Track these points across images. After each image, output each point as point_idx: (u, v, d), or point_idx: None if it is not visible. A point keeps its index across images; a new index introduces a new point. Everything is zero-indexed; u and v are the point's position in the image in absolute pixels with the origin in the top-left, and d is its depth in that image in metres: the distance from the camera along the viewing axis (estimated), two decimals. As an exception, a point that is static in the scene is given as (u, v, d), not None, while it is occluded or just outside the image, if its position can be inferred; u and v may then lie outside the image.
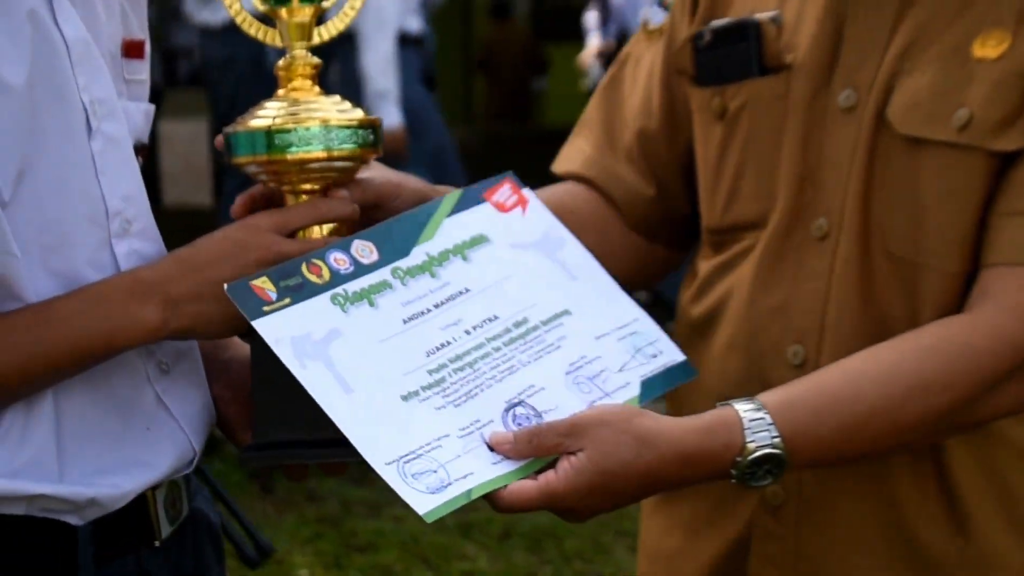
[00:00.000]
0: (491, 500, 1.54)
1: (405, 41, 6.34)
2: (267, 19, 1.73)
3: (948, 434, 1.69)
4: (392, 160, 1.86)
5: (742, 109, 1.82)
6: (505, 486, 1.54)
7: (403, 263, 1.65)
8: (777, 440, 1.58)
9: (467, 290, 1.66)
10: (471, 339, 1.63)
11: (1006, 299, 1.63)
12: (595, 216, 1.94)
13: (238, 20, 1.71)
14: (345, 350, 1.56)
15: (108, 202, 1.62)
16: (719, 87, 1.83)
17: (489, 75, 16.39)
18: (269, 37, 1.71)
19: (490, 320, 1.65)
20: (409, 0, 6.30)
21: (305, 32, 1.70)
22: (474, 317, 1.64)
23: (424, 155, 6.04)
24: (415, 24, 6.47)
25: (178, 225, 1.69)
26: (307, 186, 1.67)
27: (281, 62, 1.70)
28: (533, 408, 1.60)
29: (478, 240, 1.71)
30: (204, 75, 7.14)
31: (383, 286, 1.62)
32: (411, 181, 1.81)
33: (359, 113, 1.68)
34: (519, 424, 1.58)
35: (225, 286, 1.55)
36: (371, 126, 1.68)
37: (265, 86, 1.74)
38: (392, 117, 6.01)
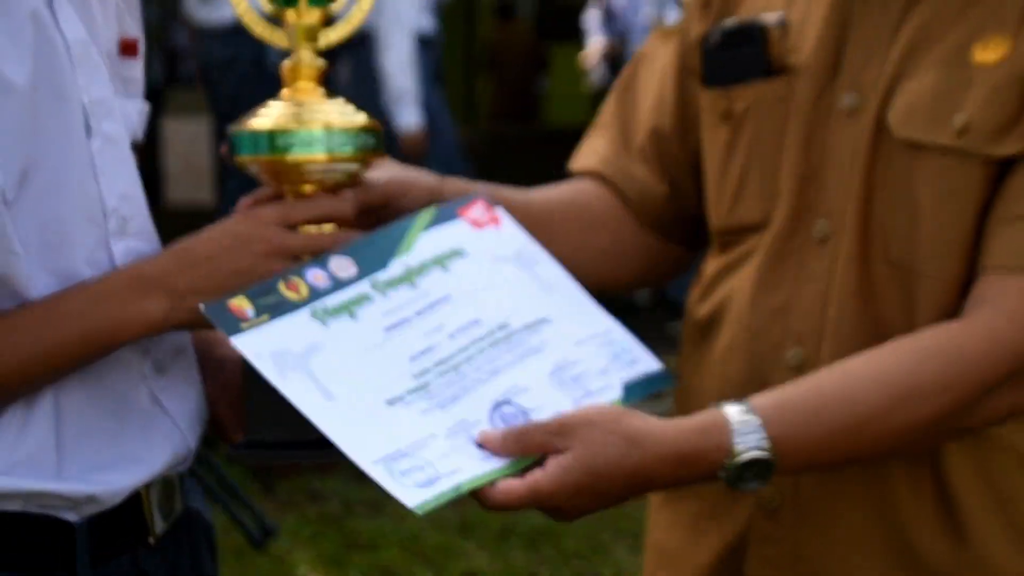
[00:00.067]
0: (479, 498, 1.55)
1: (418, 41, 6.36)
2: (273, 19, 1.74)
3: (943, 438, 1.69)
4: (413, 160, 1.87)
5: (747, 111, 1.82)
6: (493, 483, 1.54)
7: (382, 275, 1.66)
8: (766, 444, 1.58)
9: (448, 297, 1.67)
10: (454, 343, 1.63)
11: (1002, 304, 1.63)
12: (608, 213, 1.95)
13: (245, 19, 1.72)
14: (326, 362, 1.57)
15: (106, 201, 1.63)
16: (725, 88, 1.84)
17: (493, 75, 16.38)
18: (276, 38, 1.72)
19: (473, 324, 1.66)
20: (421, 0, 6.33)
21: (312, 34, 1.70)
22: (456, 322, 1.65)
23: (439, 154, 6.05)
24: (427, 24, 6.49)
25: (179, 224, 1.70)
26: (308, 188, 1.68)
27: (287, 63, 1.71)
28: (520, 407, 1.61)
29: (456, 252, 1.72)
30: (204, 75, 7.14)
31: (363, 298, 1.63)
32: (422, 178, 1.81)
33: (362, 117, 1.68)
34: (506, 422, 1.59)
35: (201, 306, 1.56)
36: (373, 131, 1.68)
37: (267, 86, 1.75)
38: (412, 117, 6.02)
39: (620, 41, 7.60)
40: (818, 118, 1.76)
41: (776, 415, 1.59)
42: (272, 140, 1.65)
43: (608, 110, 2.00)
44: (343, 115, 1.68)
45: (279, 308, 1.58)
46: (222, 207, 6.11)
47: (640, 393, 1.71)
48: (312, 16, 1.70)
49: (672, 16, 7.11)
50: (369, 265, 1.66)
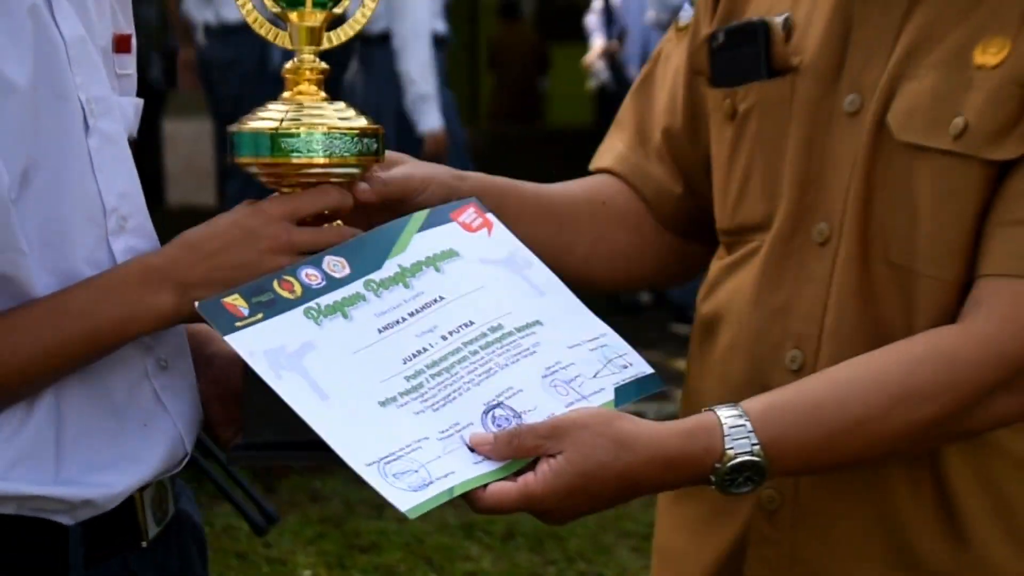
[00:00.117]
0: (470, 501, 1.55)
1: (433, 43, 6.40)
2: (277, 20, 1.74)
3: (938, 443, 1.68)
4: (433, 161, 1.87)
5: (750, 111, 1.81)
6: (485, 486, 1.54)
7: (376, 276, 1.66)
8: (756, 447, 1.57)
9: (441, 298, 1.67)
10: (447, 344, 1.63)
11: (997, 310, 1.62)
12: (628, 210, 1.95)
13: (249, 20, 1.72)
14: (320, 361, 1.57)
15: (105, 199, 1.63)
16: (730, 88, 1.83)
17: (495, 75, 16.39)
18: (280, 39, 1.72)
19: (466, 326, 1.66)
20: (436, 2, 6.36)
21: (315, 37, 1.70)
22: (449, 323, 1.65)
23: (451, 154, 6.08)
24: (440, 26, 6.52)
25: (181, 225, 1.70)
26: (302, 191, 1.68)
27: (289, 65, 1.71)
28: (512, 409, 1.61)
29: (449, 254, 1.72)
30: (205, 75, 7.14)
31: (356, 298, 1.63)
32: (441, 174, 1.81)
33: (363, 121, 1.68)
34: (499, 425, 1.59)
35: (196, 304, 1.57)
36: (374, 135, 1.68)
37: (270, 87, 1.75)
38: (434, 120, 6.10)
39: (620, 42, 7.60)
40: (820, 119, 1.75)
41: (767, 418, 1.59)
42: (273, 142, 1.65)
43: (626, 109, 2.00)
44: (344, 119, 1.68)
45: (273, 307, 1.59)
46: (223, 208, 6.08)
47: (631, 396, 1.71)
48: (315, 18, 1.70)
49: (667, 17, 7.12)
50: (363, 265, 1.66)
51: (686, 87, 1.91)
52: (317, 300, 1.61)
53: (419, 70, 6.19)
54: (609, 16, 7.59)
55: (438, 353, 1.62)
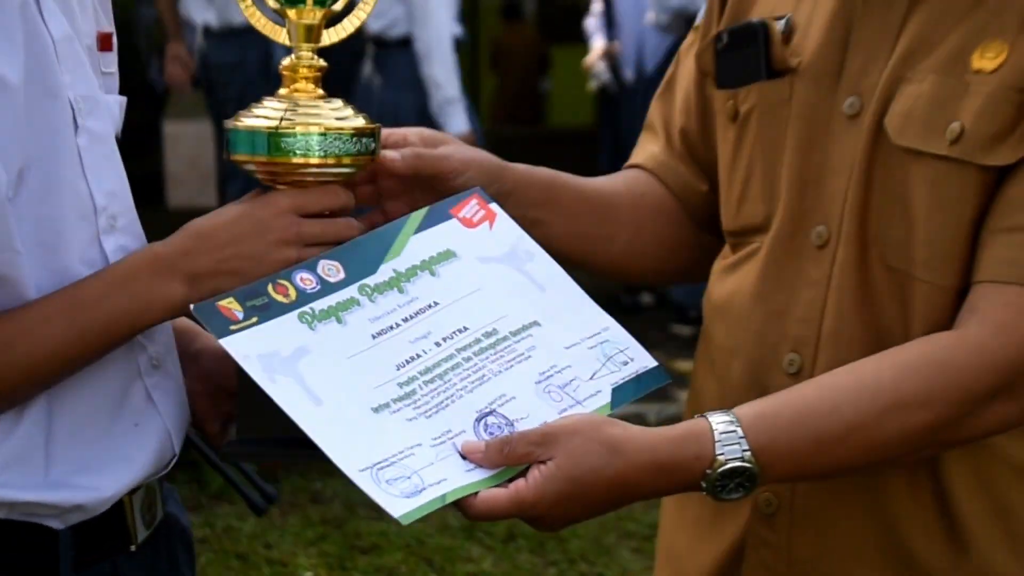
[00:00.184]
0: (462, 508, 1.55)
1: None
2: (278, 18, 1.74)
3: (933, 451, 1.67)
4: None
5: (751, 112, 1.81)
6: (476, 493, 1.54)
7: (370, 280, 1.66)
8: (747, 454, 1.57)
9: (436, 304, 1.67)
10: (441, 351, 1.64)
11: (991, 317, 1.61)
12: (664, 204, 1.96)
13: (249, 16, 1.72)
14: (314, 366, 1.57)
15: (95, 198, 1.63)
16: (733, 89, 1.83)
17: (498, 76, 16.38)
18: (281, 37, 1.72)
19: (460, 331, 1.66)
20: (454, 6, 6.40)
21: (313, 34, 1.71)
22: (444, 329, 1.65)
23: None
24: (457, 29, 6.56)
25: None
26: (301, 188, 1.68)
27: (286, 61, 1.71)
28: (504, 417, 1.61)
29: (446, 255, 1.72)
30: (206, 77, 7.13)
31: (351, 303, 1.64)
32: (483, 160, 1.82)
33: (360, 120, 1.69)
34: (491, 433, 1.59)
35: (191, 306, 1.57)
36: (371, 134, 1.69)
37: (273, 90, 1.75)
38: (461, 122, 6.24)
39: (619, 43, 7.60)
40: (819, 121, 1.75)
41: (759, 424, 1.59)
42: (270, 142, 1.65)
43: (653, 110, 2.02)
44: (341, 118, 1.68)
45: (268, 311, 1.59)
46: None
47: (631, 395, 1.71)
48: (313, 16, 1.70)
49: (666, 18, 7.11)
50: (358, 269, 1.66)
51: (697, 88, 1.92)
52: (311, 304, 1.61)
53: (445, 75, 6.26)
54: (609, 18, 7.59)
55: (431, 359, 1.63)
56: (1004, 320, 1.61)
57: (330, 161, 1.66)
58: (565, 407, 1.64)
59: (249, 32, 1.75)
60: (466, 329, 1.66)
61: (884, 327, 1.70)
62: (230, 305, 1.58)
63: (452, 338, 1.65)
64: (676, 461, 1.57)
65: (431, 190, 1.78)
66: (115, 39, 1.75)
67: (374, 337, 1.62)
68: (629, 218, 1.94)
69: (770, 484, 1.68)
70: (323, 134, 1.65)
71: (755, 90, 1.80)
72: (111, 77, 1.73)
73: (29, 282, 1.58)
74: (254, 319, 1.58)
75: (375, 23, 6.30)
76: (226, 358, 1.69)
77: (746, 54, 1.82)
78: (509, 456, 1.56)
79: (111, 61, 1.73)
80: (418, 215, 1.73)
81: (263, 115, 1.67)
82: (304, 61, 1.70)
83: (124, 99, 1.74)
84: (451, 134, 1.94)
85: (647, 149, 2.00)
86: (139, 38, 11.47)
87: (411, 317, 1.65)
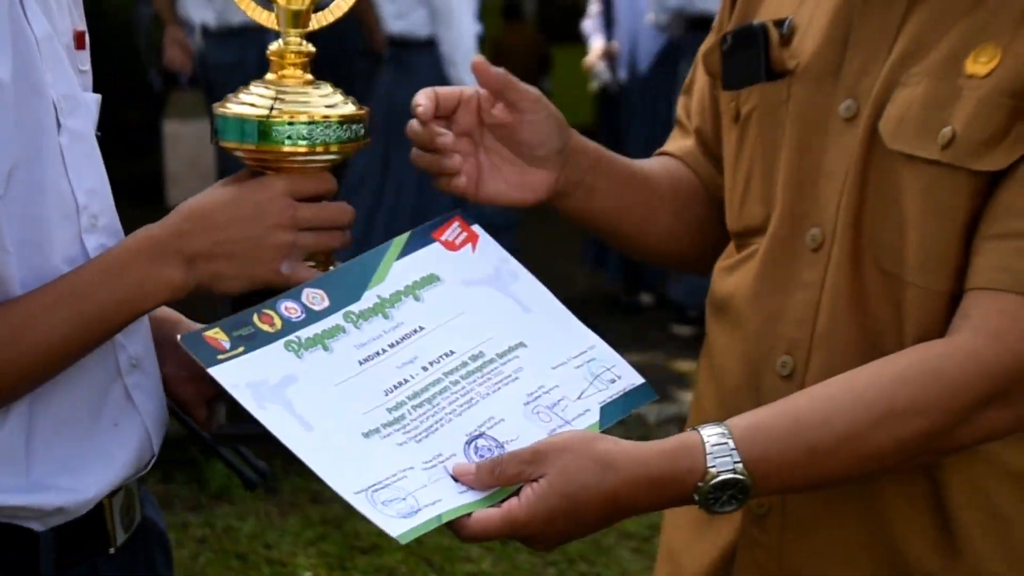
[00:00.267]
0: (455, 529, 1.55)
1: None
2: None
3: (927, 460, 1.67)
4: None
5: (751, 114, 1.82)
6: (470, 514, 1.54)
7: (355, 307, 1.67)
8: (739, 465, 1.57)
9: (421, 328, 1.68)
10: (428, 375, 1.64)
11: (983, 324, 1.61)
12: (701, 194, 1.97)
13: (238, 1, 1.73)
14: (302, 393, 1.58)
15: (77, 197, 1.63)
16: (736, 91, 1.84)
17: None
18: (271, 21, 1.72)
19: (446, 355, 1.66)
20: (474, 6, 6.43)
21: (300, 20, 1.71)
22: (430, 353, 1.66)
23: None
24: (478, 27, 6.58)
25: (182, 227, 1.71)
26: (290, 172, 1.69)
27: (274, 47, 1.71)
28: (494, 439, 1.61)
29: (429, 280, 1.72)
30: (205, 77, 7.13)
31: (336, 331, 1.64)
32: (553, 109, 1.81)
33: (349, 108, 1.69)
34: (481, 455, 1.59)
35: (178, 337, 1.58)
36: (360, 120, 1.69)
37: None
38: None
39: (617, 43, 7.60)
40: (816, 123, 1.75)
41: (750, 435, 1.58)
42: (260, 130, 1.66)
43: (679, 108, 2.02)
44: (330, 106, 1.68)
45: (254, 340, 1.60)
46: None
47: (620, 412, 1.71)
48: (300, 1, 1.70)
49: (666, 18, 7.11)
50: (341, 297, 1.67)
51: (710, 88, 1.93)
52: (297, 333, 1.62)
53: (470, 76, 6.28)
54: (609, 18, 7.59)
55: (419, 384, 1.63)
56: (997, 327, 1.60)
57: (319, 149, 1.66)
58: (554, 427, 1.65)
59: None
60: (452, 353, 1.67)
61: (877, 331, 1.69)
62: (216, 335, 1.59)
63: (439, 362, 1.66)
64: (668, 474, 1.57)
65: (502, 136, 1.77)
66: (87, 37, 1.74)
67: (361, 363, 1.63)
68: (670, 198, 1.94)
69: (765, 495, 1.68)
70: (313, 123, 1.66)
71: (755, 91, 1.81)
72: (87, 75, 1.73)
73: (15, 281, 1.58)
74: (241, 349, 1.58)
75: (397, 24, 6.30)
76: None
77: (748, 56, 1.82)
78: (500, 476, 1.56)
79: (86, 59, 1.73)
80: (400, 240, 1.74)
81: (252, 102, 1.68)
82: (292, 47, 1.70)
83: (99, 97, 1.74)
84: None
85: (677, 141, 2.01)
86: (139, 38, 11.47)
87: (397, 343, 1.66)
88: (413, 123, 1.76)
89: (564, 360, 1.71)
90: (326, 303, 1.65)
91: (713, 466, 1.56)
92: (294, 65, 1.71)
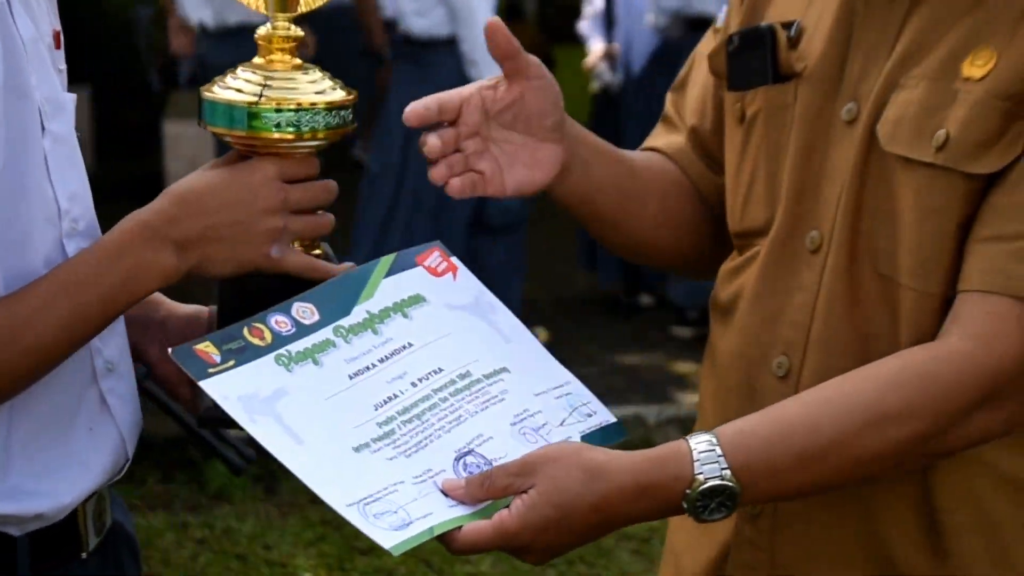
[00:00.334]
0: (445, 543, 1.54)
1: None
2: None
3: (918, 464, 1.66)
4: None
5: (756, 116, 1.81)
6: (461, 527, 1.54)
7: (345, 322, 1.67)
8: (727, 472, 1.56)
9: (410, 344, 1.68)
10: (417, 391, 1.64)
11: (972, 328, 1.60)
12: (686, 188, 1.96)
13: None
14: (293, 407, 1.58)
15: (59, 201, 1.63)
16: (741, 93, 1.83)
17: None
18: (261, 6, 1.72)
19: (435, 372, 1.67)
20: (493, 2, 6.44)
21: (288, 3, 1.70)
22: (419, 370, 1.66)
23: None
24: None
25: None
26: (278, 156, 1.69)
27: (262, 31, 1.71)
28: (483, 456, 1.61)
29: (416, 299, 1.73)
30: (205, 77, 7.14)
31: (327, 344, 1.64)
32: (559, 97, 1.80)
33: (337, 94, 1.69)
34: (470, 472, 1.59)
35: (170, 350, 1.58)
36: (348, 106, 1.69)
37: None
38: None
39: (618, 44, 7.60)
40: (820, 126, 1.75)
41: (738, 442, 1.58)
42: (249, 117, 1.65)
43: (669, 104, 2.02)
44: (319, 91, 1.68)
45: (244, 354, 1.60)
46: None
47: (598, 443, 1.69)
48: None
49: (665, 20, 7.11)
50: (331, 311, 1.67)
51: (715, 88, 1.92)
52: (287, 347, 1.62)
53: (492, 74, 6.29)
54: (610, 19, 7.59)
55: (408, 400, 1.63)
56: (986, 330, 1.60)
57: (307, 135, 1.66)
58: (540, 448, 1.64)
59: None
60: (441, 371, 1.67)
61: (872, 333, 1.69)
62: (207, 349, 1.59)
63: (428, 379, 1.66)
64: (656, 482, 1.56)
65: (509, 119, 1.77)
66: (62, 36, 1.74)
67: (351, 378, 1.63)
68: (656, 187, 1.93)
69: (756, 503, 1.68)
70: (302, 109, 1.65)
71: (761, 93, 1.80)
72: (63, 75, 1.72)
73: None
74: (231, 362, 1.59)
75: (417, 23, 6.29)
76: (193, 323, 1.74)
77: (754, 57, 1.81)
78: (490, 489, 1.56)
79: (62, 58, 1.73)
80: (387, 260, 1.75)
81: (240, 87, 1.67)
82: (280, 31, 1.70)
83: (75, 96, 1.74)
84: None
85: (664, 137, 2.00)
86: (139, 38, 11.47)
87: (387, 358, 1.66)
88: (430, 141, 1.74)
89: (545, 389, 1.72)
90: (316, 317, 1.66)
91: (700, 473, 1.56)
92: (282, 50, 1.70)
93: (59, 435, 1.64)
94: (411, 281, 1.74)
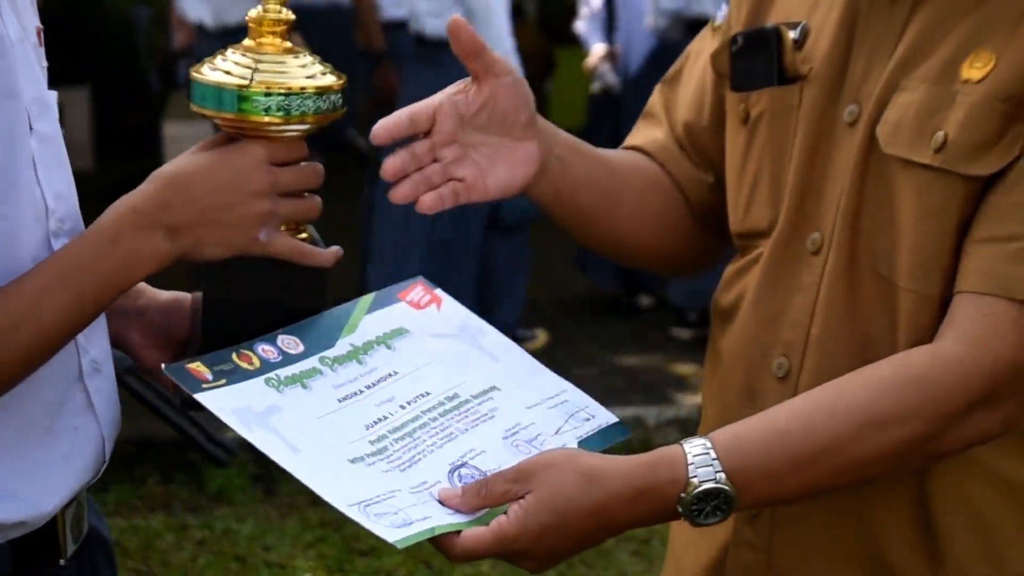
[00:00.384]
0: (444, 550, 1.54)
1: None
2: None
3: (913, 467, 1.66)
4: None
5: (761, 117, 1.81)
6: (458, 533, 1.54)
7: (329, 353, 1.69)
8: (721, 475, 1.56)
9: (395, 372, 1.69)
10: (406, 413, 1.65)
11: (966, 331, 1.60)
12: (662, 183, 1.95)
13: None
14: (287, 422, 1.59)
15: (47, 200, 1.63)
16: (746, 93, 1.83)
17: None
18: None
19: (422, 396, 1.68)
20: (507, 3, 6.45)
21: None
22: (406, 394, 1.67)
23: None
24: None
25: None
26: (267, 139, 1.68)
27: (252, 13, 1.69)
28: (477, 468, 1.62)
29: (399, 331, 1.74)
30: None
31: (313, 372, 1.66)
32: (531, 109, 1.79)
33: (328, 79, 1.68)
34: (465, 483, 1.60)
35: (163, 366, 1.59)
36: (338, 91, 1.68)
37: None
38: None
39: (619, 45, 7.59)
40: (824, 129, 1.75)
41: (732, 446, 1.58)
42: (239, 100, 1.64)
43: (654, 100, 2.01)
44: (309, 76, 1.67)
45: (234, 375, 1.61)
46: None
47: (597, 446, 1.71)
48: None
49: (664, 22, 7.10)
50: (316, 344, 1.69)
51: (714, 86, 1.91)
52: (276, 371, 1.64)
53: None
54: (612, 20, 7.58)
55: (398, 420, 1.64)
56: (981, 332, 1.59)
57: (296, 119, 1.65)
58: None
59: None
60: (428, 394, 1.68)
61: (871, 335, 1.69)
62: (199, 368, 1.60)
63: (416, 401, 1.67)
64: (651, 486, 1.56)
65: (483, 121, 1.75)
66: (42, 33, 1.74)
67: (340, 401, 1.65)
68: (634, 184, 1.92)
69: (754, 507, 1.68)
70: (292, 93, 1.65)
71: (766, 95, 1.80)
72: (45, 72, 1.72)
73: None
74: (223, 381, 1.60)
75: (432, 23, 6.28)
76: (173, 310, 1.75)
77: (759, 59, 1.81)
78: (487, 497, 1.56)
79: (43, 55, 1.72)
80: (367, 299, 1.76)
81: (230, 70, 1.66)
82: (271, 14, 1.69)
83: (56, 93, 1.73)
84: None
85: (647, 133, 1.98)
86: (139, 38, 11.47)
87: (373, 384, 1.68)
88: (386, 163, 1.73)
89: (538, 401, 1.72)
90: (301, 348, 1.67)
91: (695, 476, 1.56)
92: (272, 33, 1.69)
93: (45, 434, 1.64)
94: (393, 316, 1.76)
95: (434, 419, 1.65)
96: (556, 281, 7.72)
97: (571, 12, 8.46)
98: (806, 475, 1.60)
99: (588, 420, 1.72)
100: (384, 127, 1.72)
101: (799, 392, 1.70)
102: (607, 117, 7.43)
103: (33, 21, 1.69)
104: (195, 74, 1.67)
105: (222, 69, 1.66)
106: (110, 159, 9.36)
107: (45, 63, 1.71)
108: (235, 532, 4.97)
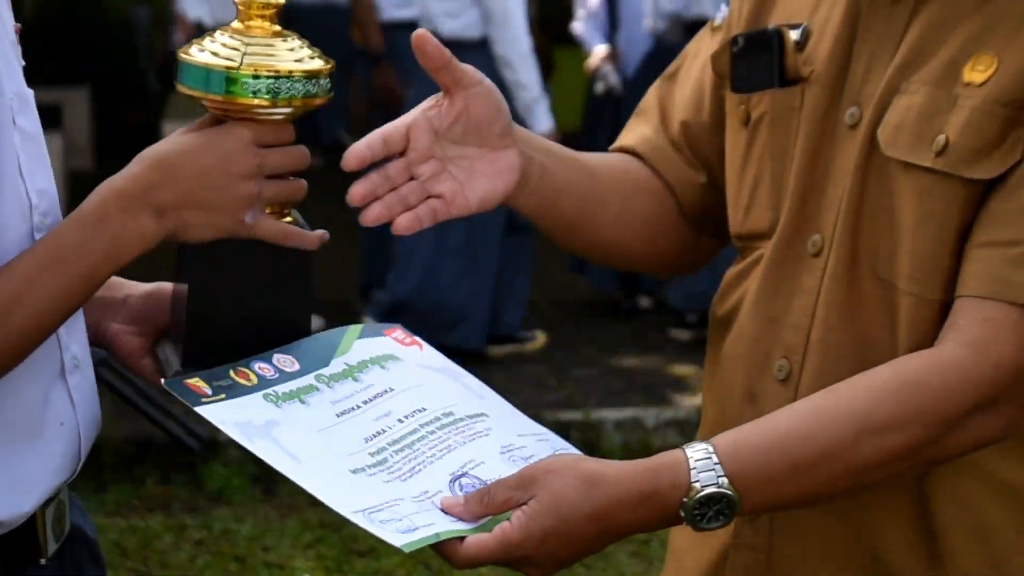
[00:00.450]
0: (448, 557, 1.55)
1: None
2: None
3: (914, 471, 1.66)
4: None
5: (762, 119, 1.81)
6: (462, 539, 1.55)
7: (325, 371, 1.70)
8: (723, 480, 1.56)
9: (391, 389, 1.71)
10: (404, 426, 1.66)
11: (967, 334, 1.60)
12: (651, 184, 1.94)
13: None
14: (287, 434, 1.60)
15: (30, 196, 1.63)
16: (746, 95, 1.83)
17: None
18: None
19: (419, 411, 1.69)
20: (524, 4, 6.45)
21: None
22: (403, 409, 1.69)
23: None
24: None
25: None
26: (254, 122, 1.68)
27: None
28: (477, 478, 1.62)
29: (390, 357, 1.76)
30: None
31: (310, 389, 1.67)
32: (507, 120, 1.78)
33: (316, 63, 1.68)
34: (466, 492, 1.60)
35: (163, 381, 1.59)
36: (327, 75, 1.68)
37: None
38: (546, 120, 6.38)
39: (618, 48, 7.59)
40: (825, 131, 1.74)
41: (734, 450, 1.58)
42: (227, 82, 1.64)
43: (649, 99, 2.00)
44: (298, 59, 1.67)
45: (233, 390, 1.62)
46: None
47: None
48: None
49: (664, 24, 7.10)
50: (311, 362, 1.70)
51: (714, 85, 1.91)
52: (273, 388, 1.65)
53: (528, 76, 6.35)
54: (613, 20, 7.58)
55: (397, 433, 1.65)
56: (981, 337, 1.59)
57: (283, 102, 1.65)
58: None
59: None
60: (424, 409, 1.69)
61: (871, 337, 1.69)
62: (198, 383, 1.61)
63: (413, 416, 1.68)
64: (653, 490, 1.56)
65: (458, 133, 1.74)
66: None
67: (338, 416, 1.66)
68: (617, 187, 1.91)
69: (756, 512, 1.68)
70: (280, 76, 1.65)
71: (767, 97, 1.80)
72: (23, 69, 1.72)
73: None
74: (222, 395, 1.61)
75: (448, 24, 6.27)
76: (154, 299, 1.76)
77: (760, 60, 1.81)
78: (490, 505, 1.56)
79: (19, 52, 1.72)
80: (356, 328, 1.79)
81: (218, 52, 1.66)
82: None
83: (32, 92, 1.72)
84: (537, 133, 1.91)
85: (638, 132, 1.97)
86: (139, 38, 11.47)
87: (370, 400, 1.69)
88: (351, 191, 1.72)
89: (526, 433, 1.73)
90: (296, 366, 1.69)
91: (697, 481, 1.56)
92: (261, 16, 1.69)
93: (25, 432, 1.64)
94: (381, 345, 1.78)
95: (432, 432, 1.66)
96: (555, 283, 7.72)
97: (571, 13, 8.45)
98: (807, 480, 1.60)
99: None
100: (355, 154, 1.70)
101: (800, 394, 1.70)
102: (606, 118, 7.43)
103: (10, 19, 1.68)
104: (183, 55, 1.67)
105: (211, 51, 1.66)
106: (110, 159, 9.35)
107: (22, 61, 1.71)
108: (234, 532, 4.97)
